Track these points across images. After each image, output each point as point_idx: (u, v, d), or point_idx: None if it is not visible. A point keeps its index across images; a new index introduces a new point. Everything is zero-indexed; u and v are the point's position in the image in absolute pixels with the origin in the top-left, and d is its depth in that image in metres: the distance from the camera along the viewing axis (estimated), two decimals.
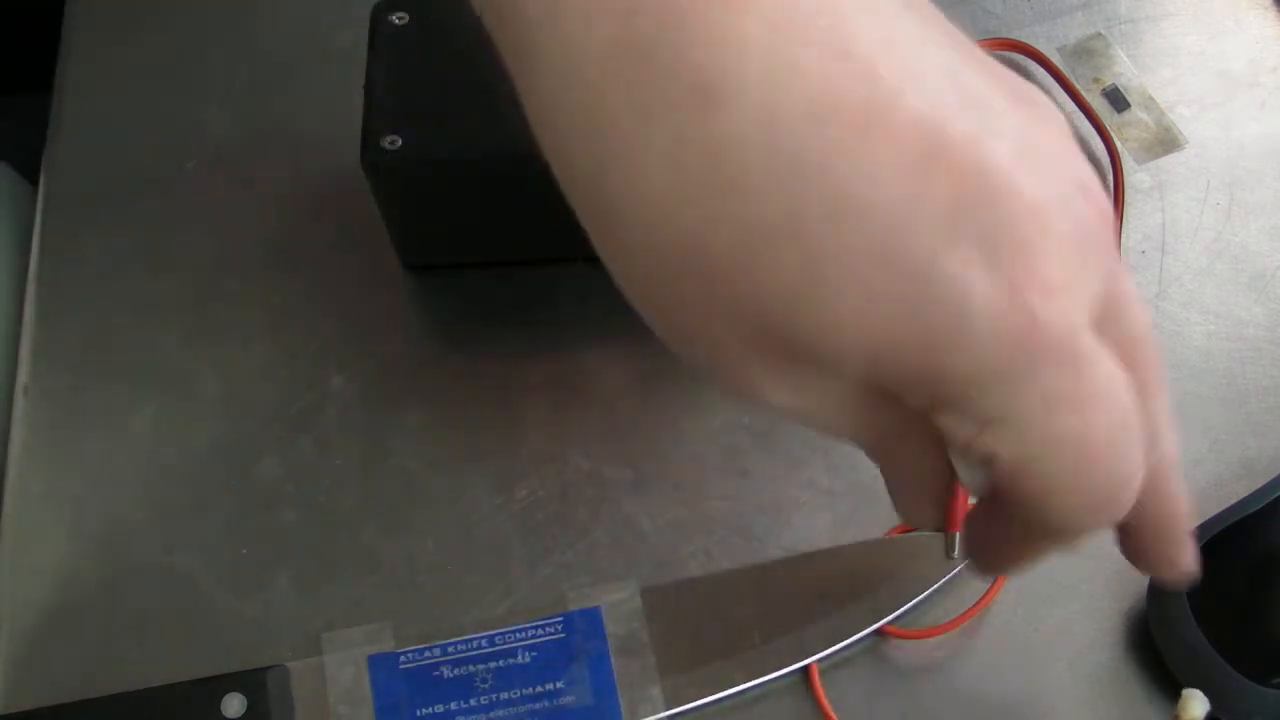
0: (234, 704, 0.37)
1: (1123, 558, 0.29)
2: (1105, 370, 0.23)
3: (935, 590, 0.39)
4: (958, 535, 0.39)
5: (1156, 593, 0.38)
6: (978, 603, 0.38)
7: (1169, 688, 0.37)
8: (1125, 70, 0.49)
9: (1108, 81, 0.49)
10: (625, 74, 0.23)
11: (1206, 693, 0.36)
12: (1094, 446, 0.24)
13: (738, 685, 0.38)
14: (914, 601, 0.39)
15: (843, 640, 0.38)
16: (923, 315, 0.23)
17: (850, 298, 0.23)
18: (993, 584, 0.39)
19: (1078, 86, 0.48)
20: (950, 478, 0.28)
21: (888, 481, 0.29)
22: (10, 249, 0.47)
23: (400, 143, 0.40)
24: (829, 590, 0.39)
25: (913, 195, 0.22)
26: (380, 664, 0.38)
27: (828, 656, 0.38)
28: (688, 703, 0.38)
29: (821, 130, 0.22)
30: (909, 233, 0.22)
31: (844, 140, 0.22)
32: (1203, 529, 0.39)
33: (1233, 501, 0.40)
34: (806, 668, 0.38)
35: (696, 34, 0.22)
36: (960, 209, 0.22)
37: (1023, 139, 0.23)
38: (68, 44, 0.51)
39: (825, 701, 0.38)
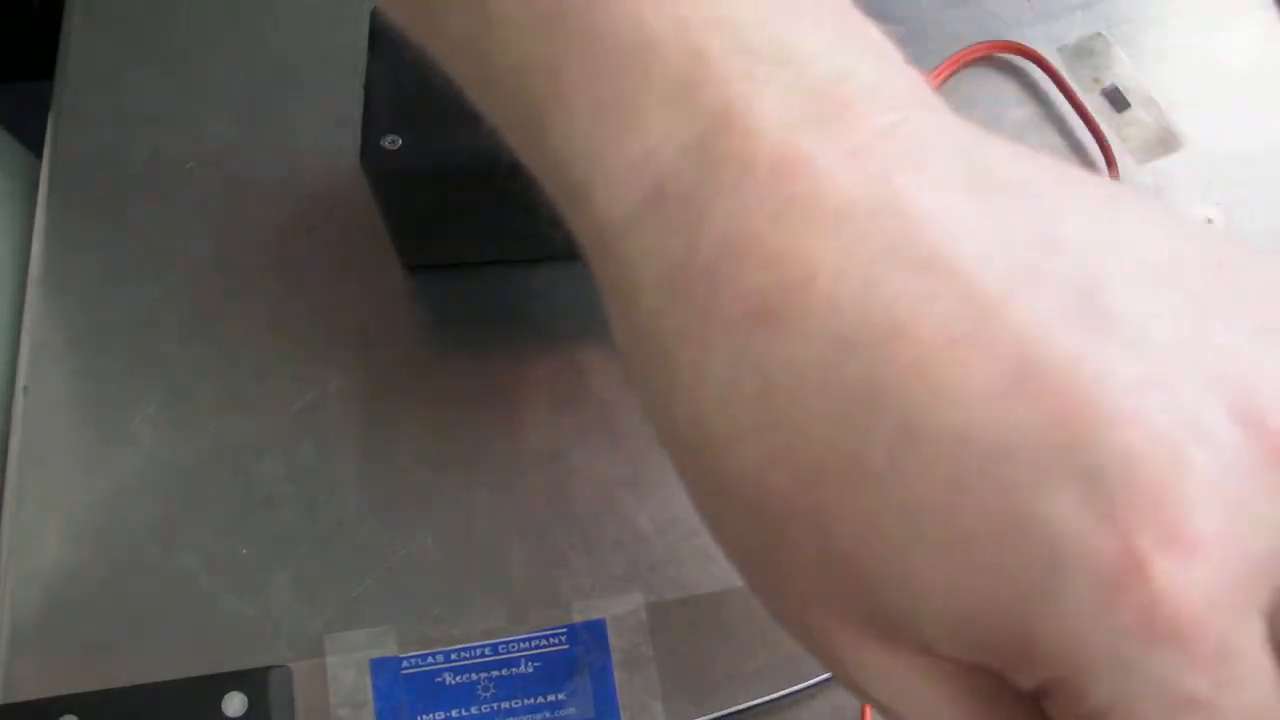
0: (235, 703, 0.37)
1: None
2: (1260, 680, 0.18)
3: None
4: None
5: None
6: None
7: None
8: (1125, 70, 0.49)
9: (1107, 81, 0.49)
10: (683, 298, 0.20)
11: None
12: None
13: (740, 704, 0.38)
14: None
15: None
16: (1009, 570, 0.18)
17: (920, 547, 0.19)
18: None
19: (1077, 87, 0.48)
20: None
21: None
22: (11, 245, 0.47)
23: (400, 143, 0.40)
24: None
25: (997, 424, 0.18)
26: (382, 668, 0.38)
27: (831, 676, 0.38)
28: None
29: (890, 348, 0.18)
30: (991, 469, 0.18)
31: (918, 361, 0.18)
32: None
33: None
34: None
35: (762, 253, 0.19)
36: (1057, 439, 0.18)
37: (1149, 337, 0.18)
38: (66, 44, 0.51)
39: None
